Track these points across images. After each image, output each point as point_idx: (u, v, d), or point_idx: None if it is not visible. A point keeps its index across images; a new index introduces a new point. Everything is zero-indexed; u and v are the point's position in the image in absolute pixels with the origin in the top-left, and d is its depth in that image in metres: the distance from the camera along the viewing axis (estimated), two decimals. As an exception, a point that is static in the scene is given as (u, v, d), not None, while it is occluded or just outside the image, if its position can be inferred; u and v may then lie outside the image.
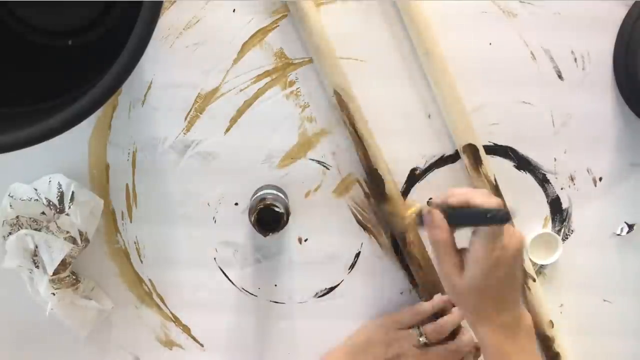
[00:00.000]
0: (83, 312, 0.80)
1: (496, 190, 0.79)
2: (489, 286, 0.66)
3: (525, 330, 0.69)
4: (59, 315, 0.78)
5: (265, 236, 0.76)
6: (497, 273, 0.66)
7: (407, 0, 0.75)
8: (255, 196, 0.78)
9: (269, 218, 0.74)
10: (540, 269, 0.83)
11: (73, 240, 0.77)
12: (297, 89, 0.79)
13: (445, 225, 0.68)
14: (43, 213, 0.76)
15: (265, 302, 0.84)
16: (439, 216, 0.68)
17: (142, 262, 0.83)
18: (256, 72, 0.78)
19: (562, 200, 0.82)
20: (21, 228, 0.76)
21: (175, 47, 0.77)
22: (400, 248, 0.82)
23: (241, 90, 0.79)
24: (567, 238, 0.82)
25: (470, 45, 0.78)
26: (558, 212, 0.82)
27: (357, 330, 0.82)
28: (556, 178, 0.81)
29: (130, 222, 0.82)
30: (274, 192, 0.77)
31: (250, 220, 0.75)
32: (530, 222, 0.82)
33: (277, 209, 0.74)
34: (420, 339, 0.79)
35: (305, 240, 0.83)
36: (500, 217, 0.64)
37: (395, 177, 0.80)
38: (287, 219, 0.75)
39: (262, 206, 0.74)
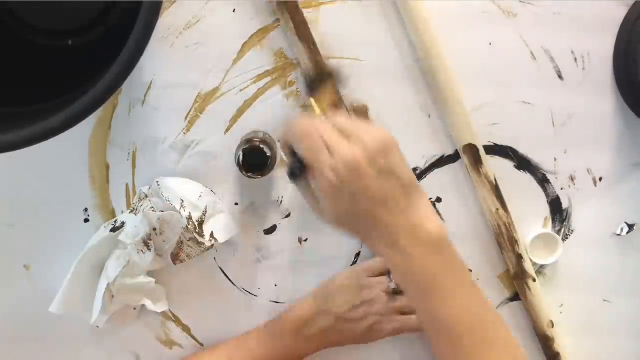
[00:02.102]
0: (131, 296, 0.80)
1: (496, 190, 0.79)
2: (346, 209, 0.61)
3: (426, 240, 0.60)
4: (111, 287, 0.78)
5: (249, 176, 0.75)
6: (341, 197, 0.60)
7: (407, 0, 0.75)
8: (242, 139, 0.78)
9: (254, 159, 0.74)
10: (540, 269, 0.83)
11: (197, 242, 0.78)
12: (297, 89, 0.79)
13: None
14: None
15: (265, 302, 0.84)
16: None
17: (142, 262, 0.83)
18: (256, 72, 0.78)
19: (562, 200, 0.82)
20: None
21: (175, 47, 0.77)
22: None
23: (241, 90, 0.79)
24: (567, 238, 0.82)
25: (470, 45, 0.78)
26: (558, 212, 0.82)
27: (330, 278, 0.83)
28: (556, 178, 0.81)
29: (130, 222, 0.82)
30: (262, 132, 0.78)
31: (236, 157, 0.74)
32: (530, 222, 0.82)
33: (261, 146, 0.74)
34: (390, 285, 0.79)
35: (305, 240, 0.83)
36: (290, 174, 0.63)
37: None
38: (274, 162, 0.75)
39: (251, 145, 0.74)
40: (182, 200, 0.76)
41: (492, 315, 0.64)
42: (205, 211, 0.77)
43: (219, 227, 0.78)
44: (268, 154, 0.73)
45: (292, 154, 0.63)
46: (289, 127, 0.62)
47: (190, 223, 0.76)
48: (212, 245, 0.78)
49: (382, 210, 0.60)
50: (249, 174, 0.74)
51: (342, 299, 0.79)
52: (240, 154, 0.73)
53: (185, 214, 0.76)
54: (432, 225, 0.61)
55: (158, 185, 0.77)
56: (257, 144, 0.74)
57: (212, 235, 0.77)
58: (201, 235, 0.77)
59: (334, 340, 0.80)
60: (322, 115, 0.68)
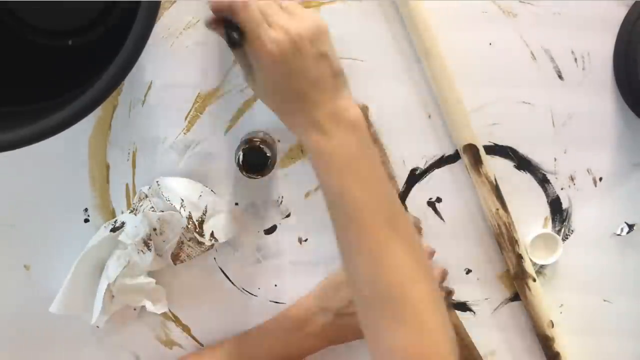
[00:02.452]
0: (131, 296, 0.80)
1: (496, 191, 0.79)
2: (280, 84, 0.62)
3: (346, 123, 0.62)
4: (112, 286, 0.78)
5: (249, 176, 0.75)
6: (278, 70, 0.61)
7: (407, 0, 0.75)
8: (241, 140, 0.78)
9: (254, 159, 0.74)
10: (540, 269, 0.83)
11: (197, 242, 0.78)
12: (297, 89, 0.78)
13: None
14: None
15: (265, 302, 0.84)
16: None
17: (142, 262, 0.83)
18: (256, 72, 0.78)
19: (562, 200, 0.82)
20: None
21: (175, 47, 0.77)
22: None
23: (241, 90, 0.79)
24: (567, 238, 0.82)
25: (470, 45, 0.78)
26: (558, 212, 0.82)
27: (330, 273, 0.83)
28: (556, 178, 0.81)
29: (131, 222, 0.82)
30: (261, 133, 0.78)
31: (236, 157, 0.74)
32: (530, 222, 0.82)
33: (262, 147, 0.74)
34: None
35: (305, 240, 0.83)
36: (231, 42, 0.61)
37: (396, 177, 0.81)
38: (274, 162, 0.75)
39: (251, 145, 0.74)
40: (182, 200, 0.76)
41: (400, 207, 0.65)
42: (205, 211, 0.77)
43: (219, 227, 0.79)
44: (268, 154, 0.73)
45: (227, 23, 0.61)
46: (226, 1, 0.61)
47: (191, 222, 0.76)
48: (212, 245, 0.78)
49: (313, 91, 0.62)
50: (249, 174, 0.74)
51: (340, 294, 0.79)
52: (240, 154, 0.73)
53: (185, 213, 0.76)
54: (352, 111, 0.63)
55: (158, 185, 0.77)
56: (257, 144, 0.74)
57: (212, 234, 0.77)
58: (201, 234, 0.77)
59: (335, 336, 0.80)
60: None
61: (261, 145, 0.74)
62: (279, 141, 0.80)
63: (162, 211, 0.76)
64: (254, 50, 0.61)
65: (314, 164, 0.64)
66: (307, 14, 0.62)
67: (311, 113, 0.62)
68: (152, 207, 0.76)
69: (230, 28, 0.61)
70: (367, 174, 0.63)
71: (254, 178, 0.75)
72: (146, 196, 0.78)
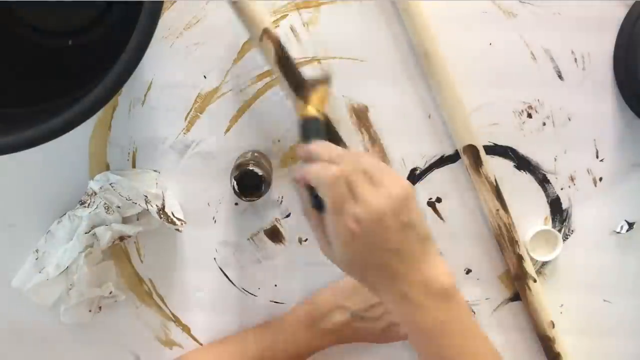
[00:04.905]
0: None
1: (496, 191, 0.79)
2: (361, 257, 0.59)
3: (438, 293, 0.59)
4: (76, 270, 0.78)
5: (244, 199, 0.75)
6: (358, 245, 0.58)
7: (407, 0, 0.75)
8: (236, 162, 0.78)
9: (249, 182, 0.74)
10: (541, 269, 0.83)
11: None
12: (297, 89, 0.78)
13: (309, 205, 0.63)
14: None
15: (265, 302, 0.84)
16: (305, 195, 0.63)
17: (142, 262, 0.83)
18: (256, 72, 0.78)
19: (562, 200, 0.82)
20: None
21: (175, 47, 0.77)
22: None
23: (241, 90, 0.79)
24: (567, 238, 0.82)
25: (470, 45, 0.78)
26: (558, 212, 0.82)
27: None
28: (556, 178, 0.81)
29: (130, 222, 0.82)
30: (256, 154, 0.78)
31: (231, 183, 0.74)
32: (530, 222, 0.82)
33: (257, 171, 0.73)
34: None
35: (305, 240, 0.83)
36: (314, 206, 0.61)
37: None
38: (269, 184, 0.75)
39: (242, 169, 0.74)
40: (146, 196, 0.76)
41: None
42: (164, 196, 0.78)
43: (172, 204, 0.79)
44: (260, 173, 0.73)
45: (310, 190, 0.61)
46: (313, 172, 0.60)
47: (163, 214, 0.76)
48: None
49: (397, 262, 0.59)
50: (247, 199, 0.75)
51: (360, 296, 0.79)
52: (234, 182, 0.73)
53: (153, 208, 0.76)
54: (443, 278, 0.60)
55: (113, 187, 0.76)
56: (248, 167, 0.73)
57: (174, 216, 0.78)
58: (173, 223, 0.77)
59: (347, 336, 0.80)
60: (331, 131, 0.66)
61: (251, 168, 0.73)
62: (279, 141, 0.80)
63: (119, 206, 0.76)
64: (335, 224, 0.59)
65: (410, 339, 0.62)
66: (393, 182, 0.58)
67: (398, 286, 0.59)
68: (106, 203, 0.76)
69: (316, 196, 0.61)
70: (464, 335, 0.61)
71: (254, 200, 0.76)
72: (94, 192, 0.77)
